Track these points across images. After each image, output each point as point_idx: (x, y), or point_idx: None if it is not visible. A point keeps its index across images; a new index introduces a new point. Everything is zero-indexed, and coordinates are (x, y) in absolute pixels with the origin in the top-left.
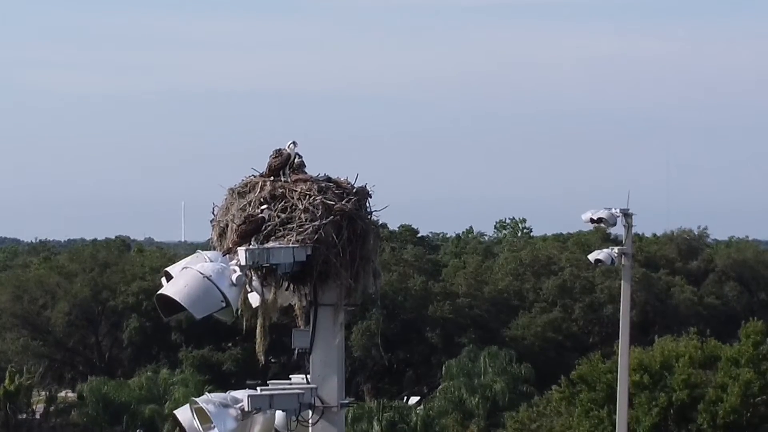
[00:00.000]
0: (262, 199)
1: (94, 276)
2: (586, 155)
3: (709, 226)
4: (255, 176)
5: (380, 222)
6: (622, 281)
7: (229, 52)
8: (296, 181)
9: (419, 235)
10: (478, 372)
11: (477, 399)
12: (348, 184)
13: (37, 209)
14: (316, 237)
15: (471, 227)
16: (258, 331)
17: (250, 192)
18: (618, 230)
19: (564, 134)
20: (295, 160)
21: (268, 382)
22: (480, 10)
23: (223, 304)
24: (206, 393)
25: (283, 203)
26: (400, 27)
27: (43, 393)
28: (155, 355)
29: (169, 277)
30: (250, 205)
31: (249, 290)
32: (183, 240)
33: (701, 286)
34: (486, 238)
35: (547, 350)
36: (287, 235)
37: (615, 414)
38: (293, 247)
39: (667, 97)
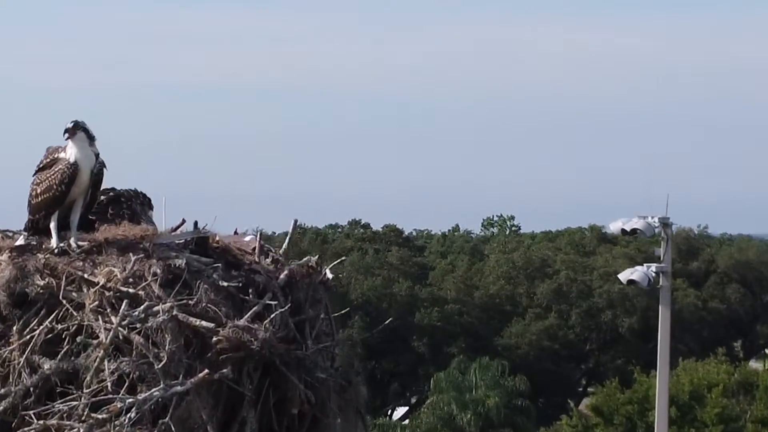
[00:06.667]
0: None
1: None
2: (578, 150)
3: (709, 225)
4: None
5: (362, 222)
6: (660, 305)
7: (213, 46)
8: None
9: (404, 235)
10: (469, 385)
11: (469, 415)
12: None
13: (24, 204)
14: None
15: (457, 225)
16: None
17: None
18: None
19: (554, 129)
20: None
21: None
22: (468, 3)
23: None
24: None
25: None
26: (383, 18)
27: None
28: None
29: None
30: None
31: None
32: None
33: (703, 288)
34: (473, 236)
35: (542, 360)
36: None
37: None
38: None
39: (662, 91)
